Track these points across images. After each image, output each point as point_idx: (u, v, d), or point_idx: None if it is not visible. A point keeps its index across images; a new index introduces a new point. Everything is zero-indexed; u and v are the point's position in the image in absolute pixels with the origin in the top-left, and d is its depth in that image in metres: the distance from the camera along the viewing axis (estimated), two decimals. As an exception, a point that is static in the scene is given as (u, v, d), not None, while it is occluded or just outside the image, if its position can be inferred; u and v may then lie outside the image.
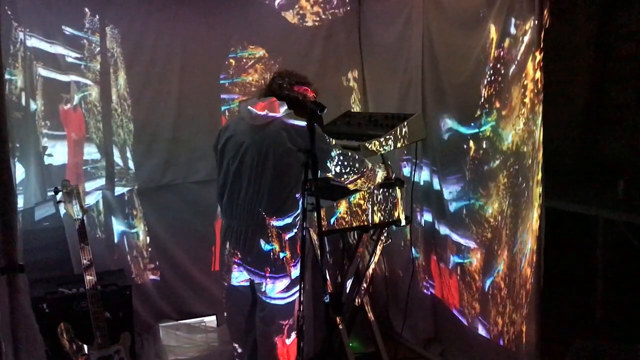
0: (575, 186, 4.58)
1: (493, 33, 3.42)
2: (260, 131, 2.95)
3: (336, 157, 3.00)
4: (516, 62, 3.30)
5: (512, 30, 3.30)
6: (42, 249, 3.82)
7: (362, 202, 3.41)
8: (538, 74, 3.13)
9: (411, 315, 4.20)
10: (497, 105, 3.47)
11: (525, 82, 3.24)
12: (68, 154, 3.91)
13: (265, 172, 2.93)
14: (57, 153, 3.89)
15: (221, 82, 4.30)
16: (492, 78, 3.48)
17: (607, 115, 4.76)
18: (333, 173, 3.04)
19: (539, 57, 3.11)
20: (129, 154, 4.10)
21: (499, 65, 3.42)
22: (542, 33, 3.07)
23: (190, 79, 4.19)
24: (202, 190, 4.23)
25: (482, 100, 3.56)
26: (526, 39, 3.19)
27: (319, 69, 4.42)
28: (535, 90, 3.15)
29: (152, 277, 4.23)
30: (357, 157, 3.13)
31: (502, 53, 3.39)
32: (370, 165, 3.19)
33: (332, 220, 3.36)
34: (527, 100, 3.23)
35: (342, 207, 3.38)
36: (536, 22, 3.07)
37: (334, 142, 3.08)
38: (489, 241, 3.63)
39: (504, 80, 3.41)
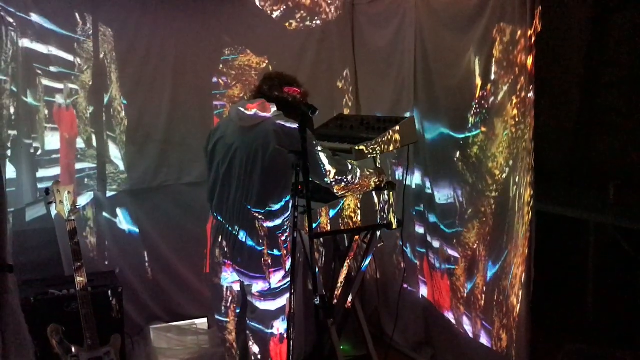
0: (567, 190, 4.60)
1: (485, 37, 3.44)
2: (249, 132, 2.95)
3: (323, 160, 3.00)
4: (508, 67, 3.31)
5: (504, 35, 3.32)
6: (32, 250, 3.81)
7: (353, 204, 3.42)
8: (529, 78, 3.14)
9: (402, 318, 4.20)
10: (489, 109, 3.48)
11: (516, 86, 3.25)
12: (60, 154, 3.90)
13: (254, 173, 2.93)
14: (49, 153, 3.88)
15: (213, 92, 4.31)
16: (484, 82, 3.50)
17: (599, 120, 4.78)
18: (320, 179, 3.04)
19: (530, 61, 3.12)
20: (121, 155, 4.10)
21: (490, 70, 3.43)
22: (534, 38, 3.09)
23: (183, 81, 4.19)
24: (194, 192, 4.22)
25: (474, 104, 3.57)
26: (518, 43, 3.21)
27: (312, 72, 4.42)
28: (527, 95, 3.16)
29: (143, 278, 4.22)
30: (345, 164, 3.12)
31: (493, 57, 3.41)
32: (358, 174, 3.17)
33: (323, 222, 3.36)
34: (518, 104, 3.24)
35: (336, 208, 3.40)
36: (528, 27, 3.09)
37: (320, 148, 3.07)
38: (479, 244, 3.64)
39: (495, 84, 3.42)
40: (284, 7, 4.42)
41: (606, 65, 4.74)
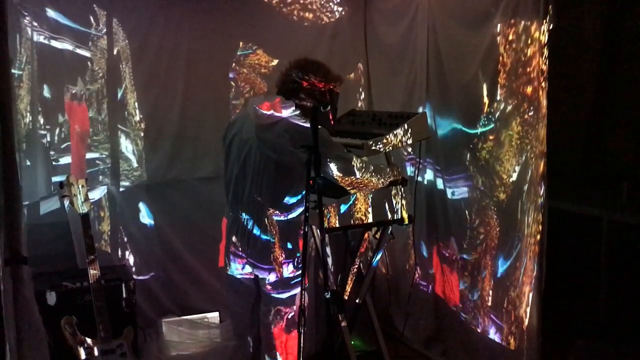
0: (580, 187, 4.57)
1: (498, 33, 3.43)
2: (265, 131, 2.95)
3: (339, 162, 3.00)
4: (521, 63, 3.30)
5: (518, 31, 3.31)
6: (46, 243, 3.84)
7: (365, 200, 3.42)
8: (543, 75, 3.13)
9: (413, 314, 4.21)
10: (502, 105, 3.48)
11: (530, 83, 3.24)
12: (72, 148, 3.94)
13: (267, 172, 2.94)
14: (62, 147, 3.93)
15: (226, 87, 4.34)
16: (497, 78, 3.49)
17: (613, 117, 4.74)
18: (333, 177, 3.04)
19: (544, 57, 3.11)
20: (134, 150, 4.13)
21: (503, 66, 3.43)
22: (548, 33, 3.08)
23: (196, 77, 4.22)
24: (207, 187, 4.25)
25: (487, 100, 3.56)
26: (531, 39, 3.20)
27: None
28: (540, 91, 3.15)
29: (155, 272, 4.25)
30: (360, 162, 3.10)
31: (507, 53, 3.40)
32: (369, 175, 3.15)
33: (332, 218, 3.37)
34: (532, 100, 3.23)
35: (347, 204, 3.41)
36: (542, 22, 3.07)
37: (339, 146, 3.07)
38: (491, 240, 3.64)
39: (508, 80, 3.41)
40: (297, 4, 4.42)
41: (621, 61, 4.71)
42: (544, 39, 3.09)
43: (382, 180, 3.24)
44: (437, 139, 3.95)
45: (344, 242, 3.88)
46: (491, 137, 3.58)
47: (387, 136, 3.36)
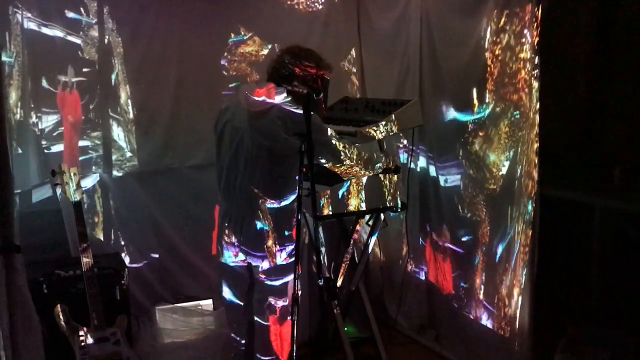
0: (572, 174, 4.58)
1: (491, 19, 3.42)
2: (257, 118, 2.95)
3: (331, 149, 3.01)
4: (514, 49, 3.30)
5: (511, 16, 3.30)
6: (39, 232, 3.83)
7: (358, 187, 3.42)
8: (536, 61, 3.13)
9: (406, 301, 4.24)
10: (495, 91, 3.48)
11: (523, 69, 3.24)
12: (64, 136, 3.92)
13: (260, 160, 2.93)
14: (54, 135, 3.90)
15: (219, 75, 4.31)
16: (490, 64, 3.49)
17: (606, 104, 4.75)
18: (328, 164, 3.05)
19: (537, 43, 3.11)
20: (126, 138, 4.11)
21: (497, 51, 3.42)
22: (540, 19, 3.08)
23: (189, 64, 4.19)
24: (200, 175, 4.24)
25: (480, 87, 3.56)
26: (524, 24, 3.19)
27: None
28: (533, 77, 3.15)
29: (148, 260, 4.25)
30: (353, 149, 3.12)
31: (500, 39, 3.39)
32: (365, 157, 3.18)
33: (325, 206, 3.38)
34: (525, 86, 3.24)
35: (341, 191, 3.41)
36: (535, 7, 3.07)
37: (331, 133, 3.07)
38: (483, 227, 3.65)
39: (502, 66, 3.41)
40: (290, -11, 4.40)
41: (615, 47, 4.70)
42: (537, 24, 3.09)
43: (371, 168, 3.25)
44: (430, 126, 3.95)
45: (338, 230, 3.89)
46: (484, 125, 3.58)
47: (380, 123, 3.37)
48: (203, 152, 4.20)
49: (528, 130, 3.22)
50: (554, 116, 4.18)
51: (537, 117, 3.15)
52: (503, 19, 3.34)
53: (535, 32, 3.11)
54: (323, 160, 3.05)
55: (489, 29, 3.45)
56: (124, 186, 4.15)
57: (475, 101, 3.60)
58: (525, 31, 3.19)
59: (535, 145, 3.17)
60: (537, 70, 3.13)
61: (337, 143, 3.03)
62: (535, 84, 3.14)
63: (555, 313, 3.73)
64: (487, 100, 3.55)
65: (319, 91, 2.89)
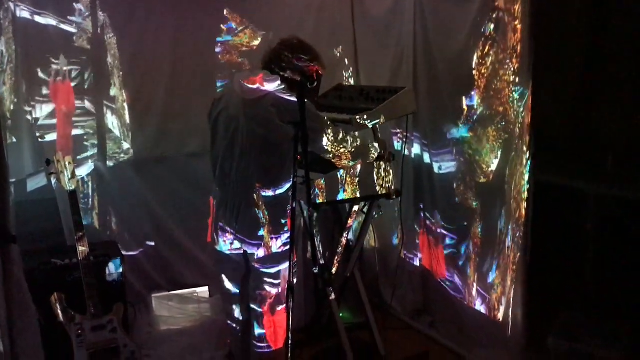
0: (566, 160, 4.59)
1: (485, 5, 3.42)
2: (251, 106, 2.95)
3: (326, 136, 3.02)
4: (508, 35, 3.30)
5: (504, 3, 3.30)
6: (34, 220, 3.83)
7: (353, 175, 3.43)
8: (529, 47, 3.14)
9: (400, 286, 4.27)
10: (489, 78, 3.49)
11: (516, 55, 3.25)
12: (58, 126, 3.91)
13: (255, 148, 2.94)
14: (48, 124, 3.90)
15: (214, 62, 4.30)
16: (484, 51, 3.49)
17: (600, 90, 4.75)
18: (322, 152, 3.07)
19: (530, 29, 3.11)
20: (121, 126, 4.10)
21: (490, 39, 3.43)
22: (534, 5, 3.08)
23: (183, 52, 4.17)
24: (195, 163, 4.23)
25: (474, 74, 3.57)
26: (518, 11, 3.19)
27: (311, 42, 4.36)
28: (527, 63, 3.16)
29: (144, 248, 4.26)
30: (347, 137, 3.14)
31: (493, 26, 3.39)
32: (357, 145, 3.19)
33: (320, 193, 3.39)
34: (518, 72, 3.24)
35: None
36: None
37: (325, 120, 3.08)
38: (477, 213, 3.68)
39: (495, 53, 3.42)
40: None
41: (608, 33, 4.70)
42: (530, 11, 3.09)
43: (366, 156, 3.27)
44: (424, 113, 3.96)
45: (332, 217, 3.91)
46: (478, 111, 3.59)
47: (375, 111, 3.37)
48: (198, 140, 4.19)
49: (523, 116, 3.23)
50: (550, 103, 4.20)
51: (531, 103, 3.16)
52: (496, 6, 3.34)
53: (529, 19, 3.12)
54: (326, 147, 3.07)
55: (482, 15, 3.45)
56: (119, 174, 4.15)
57: (469, 88, 3.61)
58: (519, 18, 3.19)
59: (530, 131, 3.19)
60: (531, 57, 3.13)
61: (331, 131, 3.04)
62: (529, 71, 3.14)
63: (548, 299, 3.76)
64: (481, 87, 3.56)
65: (313, 80, 2.89)
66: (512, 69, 3.29)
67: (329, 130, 3.06)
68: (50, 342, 3.18)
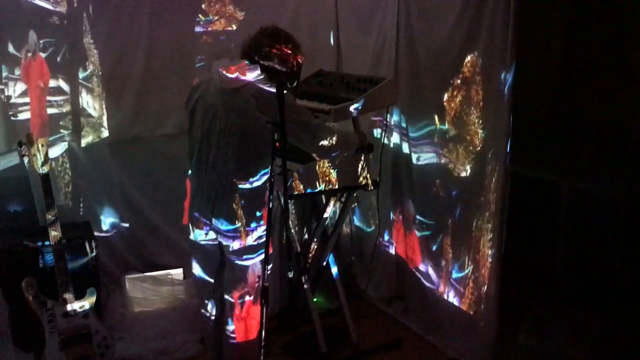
0: (542, 153, 4.62)
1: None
2: (230, 95, 2.90)
3: (305, 127, 3.00)
4: (490, 25, 3.26)
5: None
6: (6, 199, 3.78)
7: (330, 165, 3.41)
8: (511, 37, 3.11)
9: (376, 273, 4.29)
10: (470, 69, 3.46)
11: (498, 45, 3.22)
12: (31, 104, 3.82)
13: (233, 138, 2.90)
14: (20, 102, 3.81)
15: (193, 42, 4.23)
16: (466, 42, 3.46)
17: (579, 80, 4.77)
18: (302, 144, 3.05)
19: (512, 19, 3.08)
20: (96, 105, 4.02)
21: (472, 29, 3.39)
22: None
23: (160, 30, 4.08)
24: (170, 144, 4.18)
25: (455, 64, 3.54)
26: (500, 2, 3.16)
27: (292, 25, 4.29)
28: (508, 53, 3.14)
29: (118, 229, 4.22)
30: (326, 128, 3.11)
31: (476, 16, 3.35)
32: (336, 138, 3.17)
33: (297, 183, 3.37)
34: (499, 63, 3.22)
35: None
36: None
37: (306, 110, 3.04)
38: (453, 203, 3.69)
39: (477, 43, 3.38)
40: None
41: (589, 23, 4.70)
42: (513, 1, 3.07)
43: (346, 148, 3.25)
44: (404, 104, 3.93)
45: (309, 205, 3.90)
46: (458, 101, 3.57)
47: (355, 101, 3.33)
48: (174, 121, 4.14)
49: (502, 106, 3.22)
50: (530, 94, 4.20)
51: (511, 94, 3.15)
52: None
53: (511, 10, 3.08)
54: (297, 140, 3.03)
55: (465, 6, 3.40)
56: (93, 155, 4.08)
57: (450, 78, 3.58)
58: (501, 8, 3.15)
59: (508, 122, 3.18)
60: (512, 47, 3.10)
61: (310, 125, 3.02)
62: (511, 61, 3.12)
63: (521, 292, 3.82)
64: (461, 78, 3.53)
65: (293, 79, 2.84)
66: (494, 58, 3.25)
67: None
68: (22, 328, 3.15)
